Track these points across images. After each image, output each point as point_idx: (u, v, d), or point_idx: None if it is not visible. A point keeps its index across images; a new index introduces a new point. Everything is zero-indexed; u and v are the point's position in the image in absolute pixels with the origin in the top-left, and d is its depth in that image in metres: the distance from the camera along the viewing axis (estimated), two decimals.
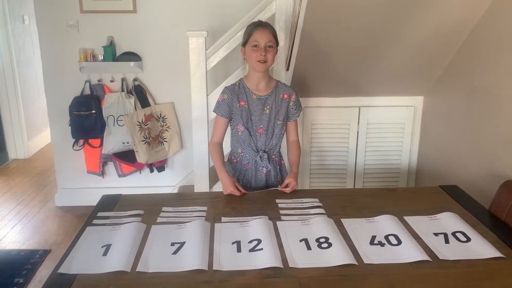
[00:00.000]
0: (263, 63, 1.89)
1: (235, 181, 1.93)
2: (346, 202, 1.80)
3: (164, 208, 1.73)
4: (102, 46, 3.22)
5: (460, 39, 2.48)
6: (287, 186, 1.90)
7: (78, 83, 3.31)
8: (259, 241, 1.47)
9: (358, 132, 3.07)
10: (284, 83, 2.07)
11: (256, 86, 1.99)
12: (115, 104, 3.26)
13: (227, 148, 2.11)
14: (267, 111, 1.99)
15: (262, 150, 2.03)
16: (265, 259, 1.36)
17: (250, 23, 2.00)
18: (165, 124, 3.42)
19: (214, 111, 2.03)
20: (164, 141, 3.42)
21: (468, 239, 1.48)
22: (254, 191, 1.93)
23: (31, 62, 4.81)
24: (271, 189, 1.95)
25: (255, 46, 1.89)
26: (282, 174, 2.11)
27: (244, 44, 1.95)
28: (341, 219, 1.63)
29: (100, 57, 3.24)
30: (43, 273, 2.64)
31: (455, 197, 1.84)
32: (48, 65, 3.32)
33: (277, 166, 2.09)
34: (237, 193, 1.86)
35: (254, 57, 1.89)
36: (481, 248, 1.43)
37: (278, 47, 1.97)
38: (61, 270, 1.32)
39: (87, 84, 3.31)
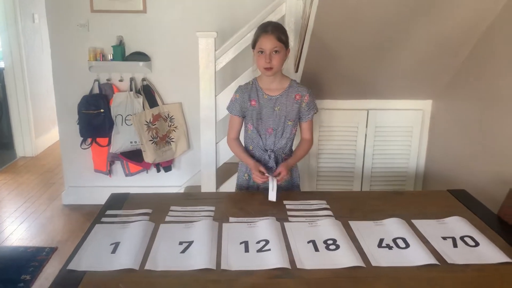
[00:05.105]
0: (268, 70, 1.90)
1: (260, 165, 1.93)
2: (354, 205, 1.79)
3: (172, 207, 1.73)
4: (112, 46, 3.24)
5: (470, 43, 2.48)
6: (279, 174, 1.89)
7: (87, 82, 3.33)
8: (267, 241, 1.47)
9: (366, 135, 3.06)
10: (298, 83, 2.04)
11: (268, 86, 2.00)
12: (123, 104, 3.28)
13: None
14: (277, 110, 2.00)
15: (271, 150, 2.04)
16: (273, 259, 1.36)
17: (260, 24, 1.98)
18: (172, 124, 3.43)
19: (227, 109, 2.07)
20: (172, 141, 3.43)
21: (477, 244, 1.48)
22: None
23: (40, 61, 4.84)
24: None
25: (261, 52, 1.90)
26: (292, 175, 2.11)
27: (253, 46, 1.96)
28: (349, 222, 1.62)
29: (110, 57, 3.26)
30: (49, 270, 2.65)
31: (464, 201, 1.83)
32: (57, 64, 3.35)
33: None
34: (259, 180, 1.87)
35: (260, 63, 1.91)
36: (489, 252, 1.42)
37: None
38: (71, 266, 1.33)
39: (96, 83, 3.34)
